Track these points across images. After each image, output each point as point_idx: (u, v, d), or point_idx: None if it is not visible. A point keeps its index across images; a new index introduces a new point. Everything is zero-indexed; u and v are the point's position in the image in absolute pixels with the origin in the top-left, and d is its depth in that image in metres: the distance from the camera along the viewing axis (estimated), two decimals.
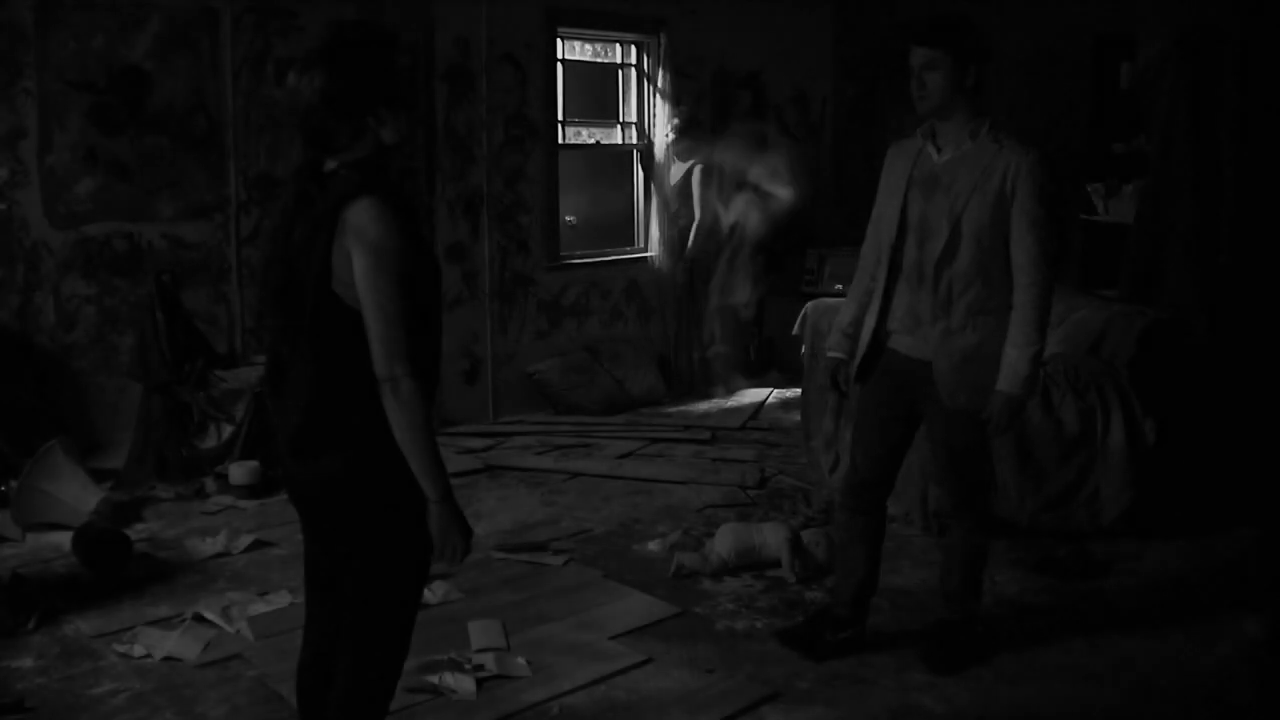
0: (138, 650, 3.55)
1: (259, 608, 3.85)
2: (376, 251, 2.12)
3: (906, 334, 3.35)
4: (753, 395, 7.41)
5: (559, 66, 7.01)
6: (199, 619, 3.77)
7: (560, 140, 7.08)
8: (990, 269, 3.21)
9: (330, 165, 2.24)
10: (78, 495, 4.69)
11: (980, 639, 3.61)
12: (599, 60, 7.63)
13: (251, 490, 5.11)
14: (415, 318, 2.17)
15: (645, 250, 7.52)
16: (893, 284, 3.35)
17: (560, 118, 7.07)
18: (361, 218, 2.13)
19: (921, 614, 3.90)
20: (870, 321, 3.41)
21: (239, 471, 5.13)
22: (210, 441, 5.33)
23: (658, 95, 7.43)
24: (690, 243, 7.16)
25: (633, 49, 7.50)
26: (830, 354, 3.60)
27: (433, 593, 3.93)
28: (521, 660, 3.50)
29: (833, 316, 5.66)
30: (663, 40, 7.36)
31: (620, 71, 7.56)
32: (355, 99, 2.20)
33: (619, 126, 7.56)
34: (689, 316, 7.44)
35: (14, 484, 4.67)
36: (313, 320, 2.19)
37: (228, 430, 5.33)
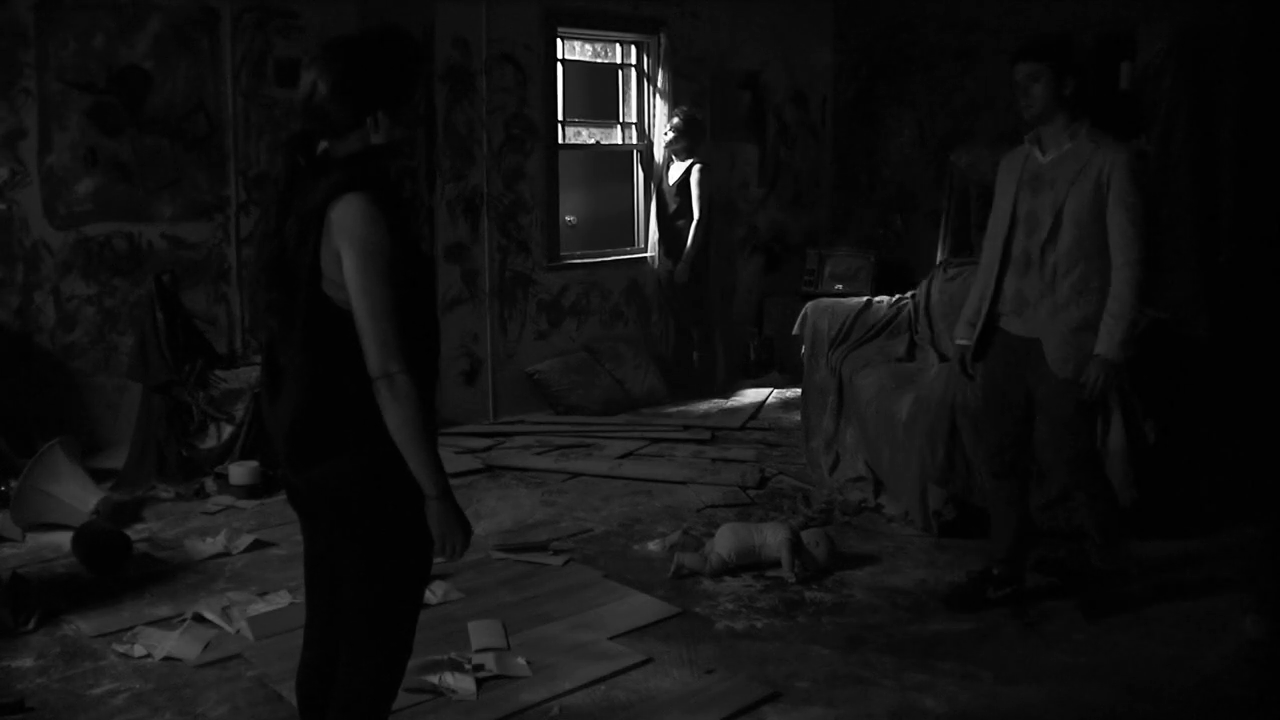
0: (138, 650, 3.55)
1: (259, 608, 3.85)
2: (363, 248, 2.12)
3: (1015, 315, 3.76)
4: (753, 395, 7.41)
5: (559, 66, 7.01)
6: (199, 619, 3.77)
7: (560, 140, 7.08)
8: (1090, 252, 3.59)
9: (323, 146, 2.25)
10: (78, 495, 4.69)
11: (1129, 591, 3.90)
12: (599, 60, 7.63)
13: (251, 490, 5.11)
14: (407, 314, 2.17)
15: (645, 250, 7.52)
16: (1003, 272, 3.77)
17: (560, 118, 7.07)
18: (346, 215, 2.13)
19: (921, 613, 3.91)
20: (984, 306, 3.83)
21: (239, 471, 5.13)
22: (210, 441, 5.34)
23: (657, 95, 7.43)
24: (690, 242, 7.15)
25: (632, 49, 7.50)
26: (958, 342, 4.01)
27: (433, 593, 3.93)
28: (521, 660, 3.50)
29: (832, 317, 5.74)
30: (662, 40, 7.36)
31: (620, 71, 7.56)
32: (362, 96, 2.21)
33: (619, 126, 7.57)
34: (691, 316, 7.44)
35: (14, 484, 4.67)
36: (306, 322, 2.19)
37: (228, 430, 5.34)
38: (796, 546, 4.21)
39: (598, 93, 7.59)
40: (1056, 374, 3.63)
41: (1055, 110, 3.61)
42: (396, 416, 2.14)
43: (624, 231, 7.65)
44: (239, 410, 5.34)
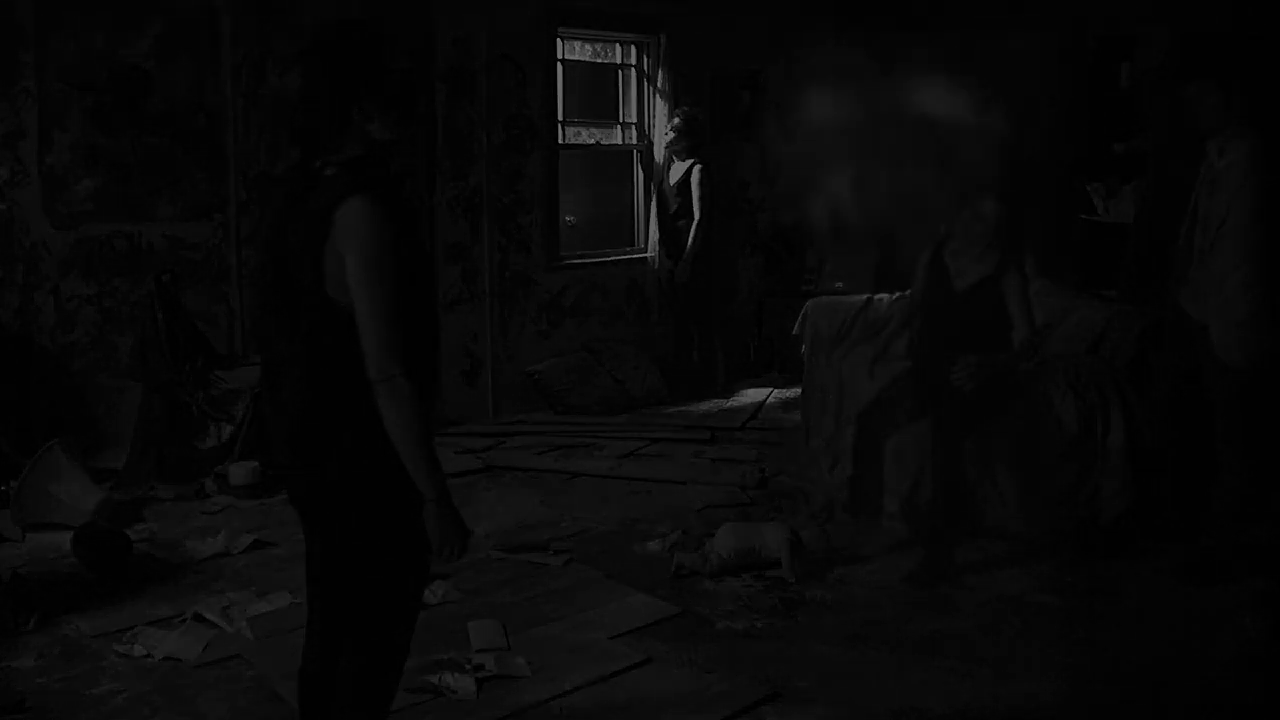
0: (138, 650, 3.56)
1: (259, 608, 3.86)
2: (367, 251, 2.12)
3: (1192, 301, 4.14)
4: (753, 395, 7.41)
5: (559, 66, 7.01)
6: (199, 619, 3.77)
7: (560, 140, 7.08)
8: (1253, 250, 3.91)
9: (320, 165, 2.25)
10: (78, 495, 4.69)
11: (1239, 563, 4.18)
12: (599, 60, 7.63)
13: (251, 490, 5.11)
14: (409, 317, 2.17)
15: (645, 250, 7.52)
16: (1186, 266, 4.17)
17: (560, 118, 7.07)
18: (351, 218, 2.13)
19: (921, 613, 3.91)
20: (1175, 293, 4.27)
21: (239, 471, 5.13)
22: (210, 441, 5.33)
23: (657, 95, 7.42)
24: (690, 242, 7.15)
25: (632, 49, 7.50)
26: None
27: (433, 593, 3.93)
28: (521, 660, 3.50)
29: (832, 316, 5.73)
30: (662, 40, 7.36)
31: (620, 72, 7.56)
32: (333, 95, 2.21)
33: (619, 127, 7.56)
34: (691, 316, 7.43)
35: (14, 484, 4.67)
36: (307, 324, 2.19)
37: (228, 430, 5.33)
38: (796, 546, 4.21)
39: (598, 93, 7.59)
40: (1222, 359, 3.99)
41: (1226, 120, 3.99)
42: (395, 420, 2.14)
43: (624, 231, 7.64)
44: (239, 410, 5.34)
